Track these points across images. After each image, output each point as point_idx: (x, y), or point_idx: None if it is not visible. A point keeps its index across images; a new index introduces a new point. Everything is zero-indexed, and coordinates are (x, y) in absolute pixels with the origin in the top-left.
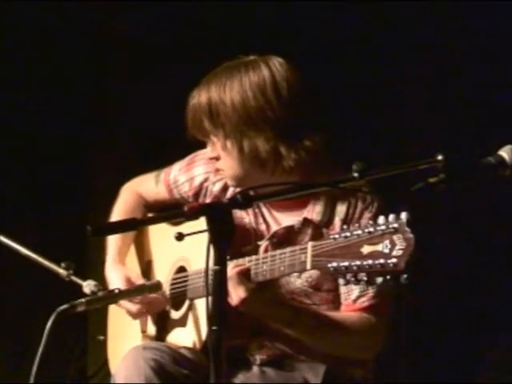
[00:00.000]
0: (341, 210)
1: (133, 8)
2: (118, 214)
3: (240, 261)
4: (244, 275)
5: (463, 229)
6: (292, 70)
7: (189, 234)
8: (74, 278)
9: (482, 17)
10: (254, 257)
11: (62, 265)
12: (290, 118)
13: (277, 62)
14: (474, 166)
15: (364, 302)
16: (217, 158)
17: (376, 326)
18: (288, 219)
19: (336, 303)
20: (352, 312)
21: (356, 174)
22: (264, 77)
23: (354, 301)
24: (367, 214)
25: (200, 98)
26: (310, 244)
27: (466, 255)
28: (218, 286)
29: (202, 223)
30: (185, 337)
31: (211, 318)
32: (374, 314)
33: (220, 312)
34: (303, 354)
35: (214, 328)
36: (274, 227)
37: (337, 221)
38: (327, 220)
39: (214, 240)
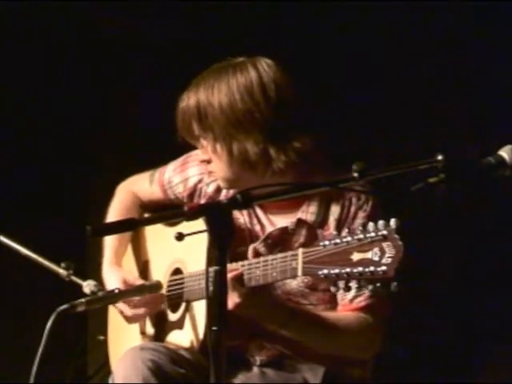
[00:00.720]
0: (335, 209)
1: (133, 8)
2: (114, 213)
3: (233, 265)
4: (237, 280)
5: (463, 228)
6: (280, 71)
7: (189, 234)
8: (74, 278)
9: (482, 17)
10: (246, 261)
11: (62, 265)
12: (279, 119)
13: (264, 64)
14: (473, 165)
15: (361, 301)
16: (208, 161)
17: (373, 326)
18: (282, 220)
19: (333, 303)
20: (349, 312)
21: (356, 174)
22: (251, 78)
23: (351, 300)
24: (361, 214)
25: (189, 100)
26: (300, 250)
27: (466, 254)
28: (217, 286)
29: (199, 224)
30: (182, 338)
31: (211, 319)
32: (371, 314)
33: (220, 312)
34: (302, 354)
35: (213, 328)
36: (269, 228)
37: (331, 221)
38: (321, 220)
39: (213, 240)
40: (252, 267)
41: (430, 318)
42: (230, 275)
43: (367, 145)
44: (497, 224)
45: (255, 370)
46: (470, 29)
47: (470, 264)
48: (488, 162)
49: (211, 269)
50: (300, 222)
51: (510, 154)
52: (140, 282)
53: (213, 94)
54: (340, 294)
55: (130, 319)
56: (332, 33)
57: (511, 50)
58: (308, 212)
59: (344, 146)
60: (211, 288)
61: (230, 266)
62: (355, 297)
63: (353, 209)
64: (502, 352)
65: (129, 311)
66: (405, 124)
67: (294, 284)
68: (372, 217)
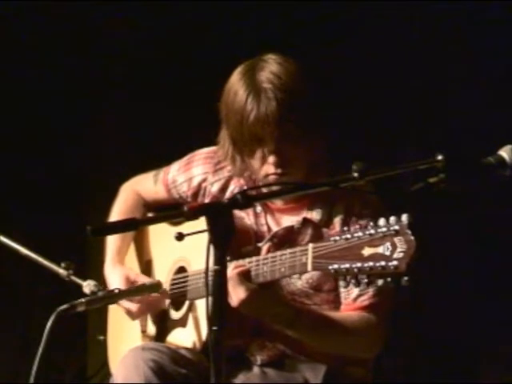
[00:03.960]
0: (340, 209)
1: (132, 11)
2: (117, 213)
3: (240, 262)
4: (244, 276)
5: (462, 227)
6: None
7: (189, 234)
8: (74, 278)
9: (482, 17)
10: (254, 258)
11: (62, 265)
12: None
13: None
14: (473, 165)
15: (364, 300)
16: (283, 172)
17: (376, 325)
18: (288, 219)
19: (337, 303)
20: (352, 311)
21: (356, 174)
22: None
23: (354, 300)
24: (366, 213)
25: (282, 103)
26: (310, 246)
27: (466, 254)
28: (217, 286)
29: (202, 223)
30: (185, 337)
31: (211, 318)
32: (375, 313)
33: (220, 312)
34: (304, 354)
35: (214, 328)
36: (275, 228)
37: (336, 220)
38: (327, 219)
39: (213, 240)
40: (259, 263)
41: (431, 317)
42: (236, 270)
43: (367, 145)
44: (497, 224)
45: (256, 369)
46: (470, 28)
47: (471, 264)
48: (488, 162)
49: (211, 268)
50: (306, 221)
51: (510, 154)
52: (142, 277)
53: (305, 89)
54: (344, 293)
55: (133, 314)
56: (331, 32)
57: (508, 48)
58: (313, 211)
59: (344, 146)
60: (211, 287)
61: (236, 263)
62: (358, 296)
63: (357, 208)
64: (502, 351)
65: (133, 306)
66: (405, 124)
67: (298, 284)
68: (377, 215)
